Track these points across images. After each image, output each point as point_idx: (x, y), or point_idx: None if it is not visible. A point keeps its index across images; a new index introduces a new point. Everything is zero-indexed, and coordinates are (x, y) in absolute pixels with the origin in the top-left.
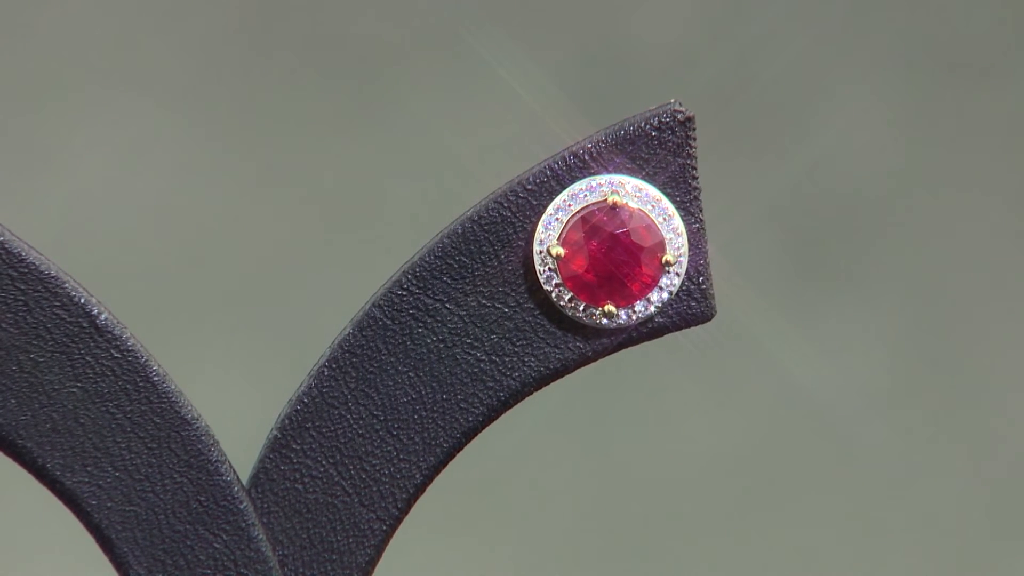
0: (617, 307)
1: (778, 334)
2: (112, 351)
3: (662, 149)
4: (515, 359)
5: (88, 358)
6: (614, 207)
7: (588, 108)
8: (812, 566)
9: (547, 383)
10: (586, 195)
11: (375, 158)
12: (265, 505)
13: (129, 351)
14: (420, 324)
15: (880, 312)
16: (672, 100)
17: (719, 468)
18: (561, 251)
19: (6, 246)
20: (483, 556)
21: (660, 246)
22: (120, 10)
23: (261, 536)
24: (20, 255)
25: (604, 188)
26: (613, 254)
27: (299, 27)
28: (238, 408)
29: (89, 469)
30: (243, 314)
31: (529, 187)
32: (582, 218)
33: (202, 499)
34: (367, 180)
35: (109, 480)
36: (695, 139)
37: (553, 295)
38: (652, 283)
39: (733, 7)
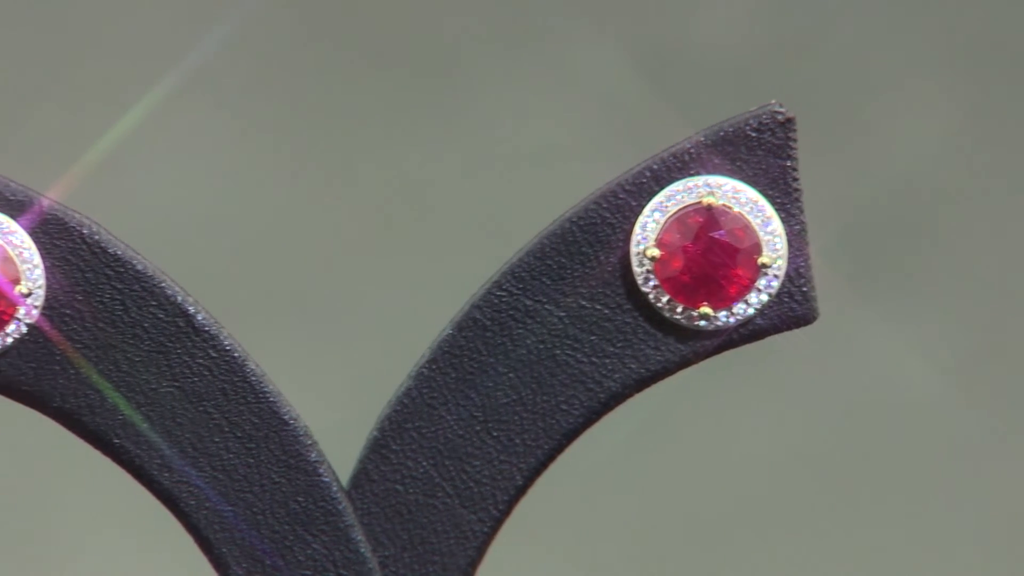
0: (714, 309)
1: (852, 331)
2: (209, 351)
3: (762, 150)
4: (615, 361)
5: (185, 358)
6: (709, 208)
7: (660, 106)
8: (891, 566)
9: (647, 385)
10: (683, 196)
11: (449, 156)
12: (365, 506)
13: (226, 351)
14: (520, 325)
15: (949, 311)
16: (773, 101)
17: (790, 467)
18: (657, 252)
19: (102, 244)
20: (552, 555)
21: (756, 248)
22: (178, 9)
23: (360, 537)
24: (116, 254)
25: (701, 189)
26: (709, 256)
27: (363, 24)
28: (334, 409)
29: (187, 470)
30: (326, 317)
31: (628, 188)
32: (678, 219)
33: (300, 500)
34: (442, 180)
35: (207, 480)
36: (796, 140)
37: (651, 297)
38: (749, 285)
39: (800, 4)
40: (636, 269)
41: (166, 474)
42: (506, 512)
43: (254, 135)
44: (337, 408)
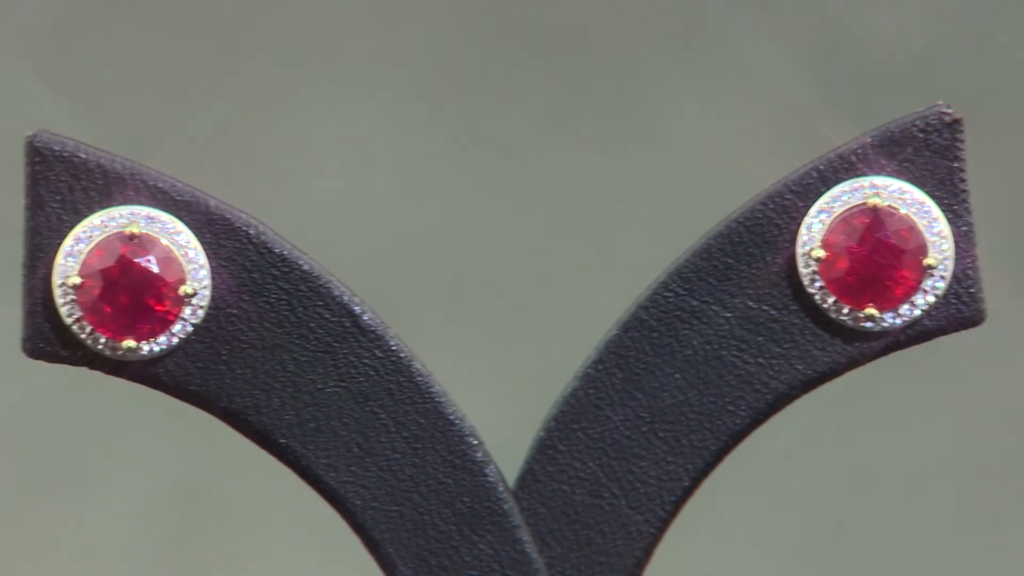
0: (880, 310)
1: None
2: (375, 351)
3: (929, 151)
4: (782, 362)
5: (351, 358)
6: (875, 209)
7: (830, 106)
8: None
9: (814, 387)
10: (848, 197)
11: (619, 156)
12: (532, 507)
13: (392, 351)
14: (686, 326)
15: None
16: (940, 102)
17: (957, 471)
18: (822, 253)
19: (268, 245)
20: (717, 556)
21: (922, 249)
22: (358, 10)
23: (527, 538)
24: (282, 254)
25: (867, 190)
26: (874, 257)
27: (537, 24)
28: (500, 410)
29: (353, 469)
30: (492, 317)
31: (794, 189)
32: (844, 220)
33: (466, 500)
34: (610, 180)
35: (374, 480)
36: (963, 141)
37: (816, 297)
38: (915, 287)
39: (971, 1)
40: (802, 270)
41: (332, 474)
42: (673, 513)
43: (425, 134)
44: (504, 408)
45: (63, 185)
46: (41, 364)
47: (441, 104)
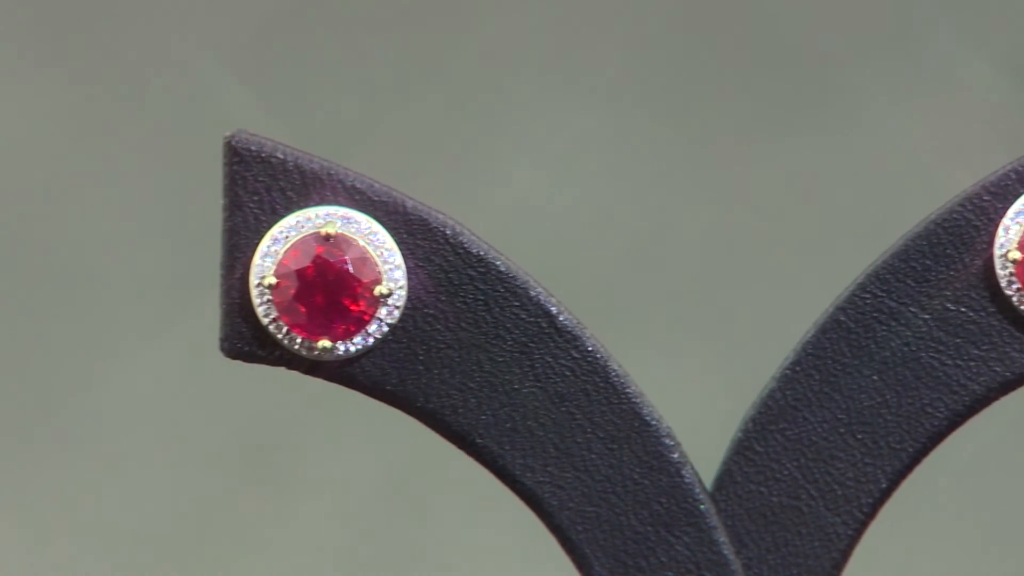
0: None
1: None
2: (572, 351)
3: None
4: (980, 364)
5: (548, 358)
6: None
7: None
8: None
9: (1012, 389)
10: None
11: (821, 160)
12: (729, 508)
13: (588, 352)
14: (884, 327)
15: None
16: None
17: None
18: (1019, 255)
19: (466, 246)
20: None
21: None
22: (562, 8)
23: (724, 539)
24: (479, 254)
25: None
26: None
27: (746, 29)
28: (697, 411)
29: (550, 469)
30: (689, 317)
31: (992, 190)
32: None
33: (663, 501)
34: (811, 182)
35: (570, 480)
36: None
37: (1014, 299)
38: None
39: None
40: (999, 272)
41: (528, 474)
42: (870, 515)
43: (627, 135)
44: (700, 409)
45: (261, 185)
46: (250, 364)
47: (643, 104)
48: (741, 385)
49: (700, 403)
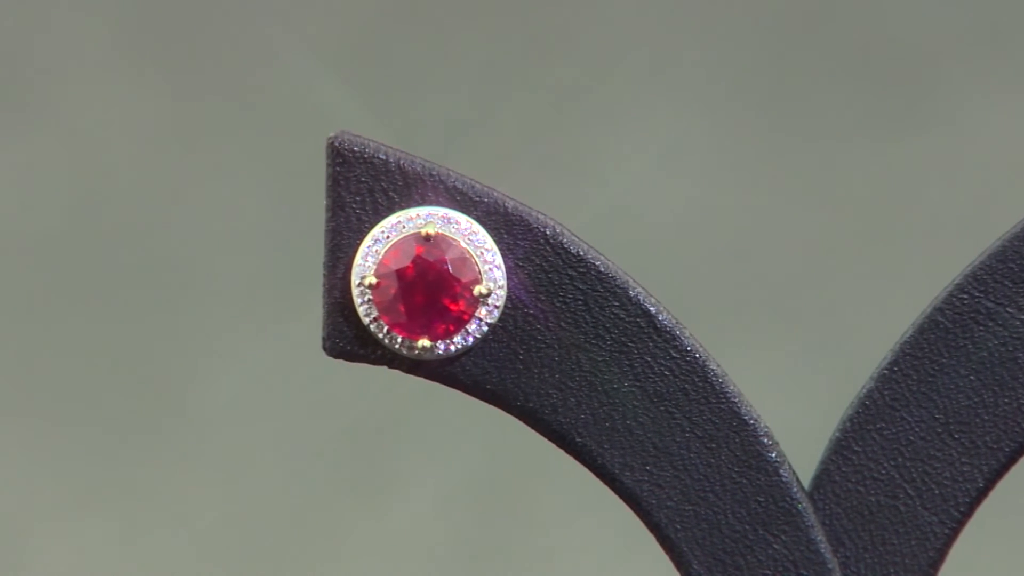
0: None
1: None
2: (671, 351)
3: None
4: None
5: (647, 358)
6: None
7: None
8: None
9: None
10: None
11: (918, 159)
12: (827, 507)
13: (687, 352)
14: (981, 328)
15: None
16: None
17: None
18: None
19: (565, 246)
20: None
21: None
22: (660, 12)
23: (822, 538)
24: (579, 254)
25: None
26: None
27: (843, 31)
28: (795, 410)
29: (648, 468)
30: (787, 316)
31: None
32: None
33: (761, 500)
34: (908, 183)
35: (668, 479)
36: None
37: None
38: None
39: None
40: None
41: (627, 473)
42: (967, 514)
43: (726, 136)
44: (798, 409)
45: (363, 186)
46: (352, 364)
47: (743, 104)
48: (838, 385)
49: (797, 403)
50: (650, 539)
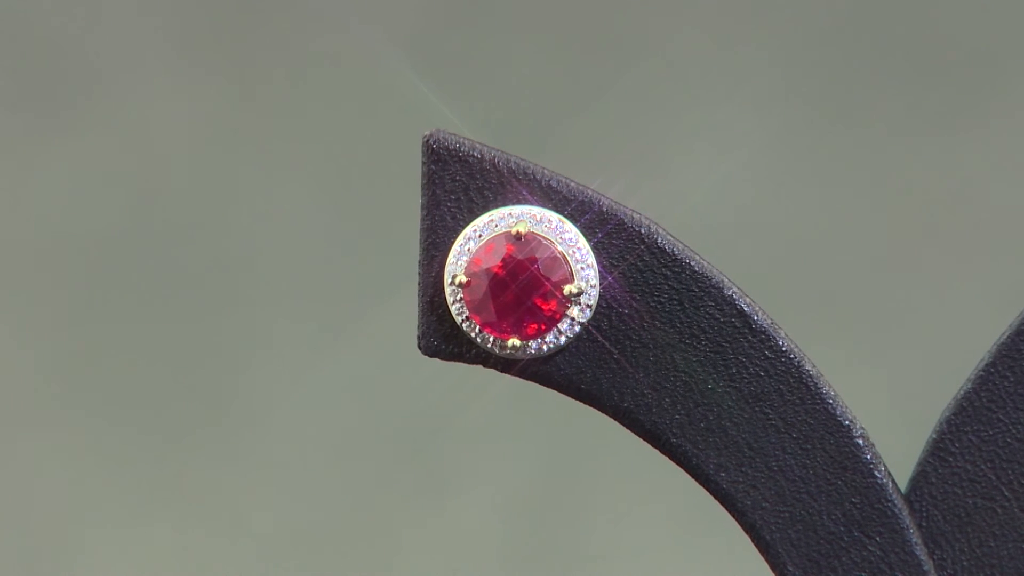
0: None
1: None
2: (765, 351)
3: None
4: None
5: (742, 358)
6: None
7: None
8: None
9: None
10: None
11: (996, 162)
12: (923, 509)
13: (782, 352)
14: None
15: None
16: None
17: None
18: None
19: (660, 244)
20: None
21: None
22: (733, 8)
23: (917, 540)
24: (674, 253)
25: None
26: None
27: (911, 31)
28: (891, 412)
29: (744, 469)
30: (884, 317)
31: None
32: None
33: (856, 501)
34: (972, 180)
35: (764, 480)
36: None
37: None
38: None
39: None
40: None
41: (723, 474)
42: None
43: (802, 138)
44: (894, 410)
45: (458, 184)
46: (413, 364)
47: (821, 109)
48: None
49: (893, 404)
50: (705, 544)
